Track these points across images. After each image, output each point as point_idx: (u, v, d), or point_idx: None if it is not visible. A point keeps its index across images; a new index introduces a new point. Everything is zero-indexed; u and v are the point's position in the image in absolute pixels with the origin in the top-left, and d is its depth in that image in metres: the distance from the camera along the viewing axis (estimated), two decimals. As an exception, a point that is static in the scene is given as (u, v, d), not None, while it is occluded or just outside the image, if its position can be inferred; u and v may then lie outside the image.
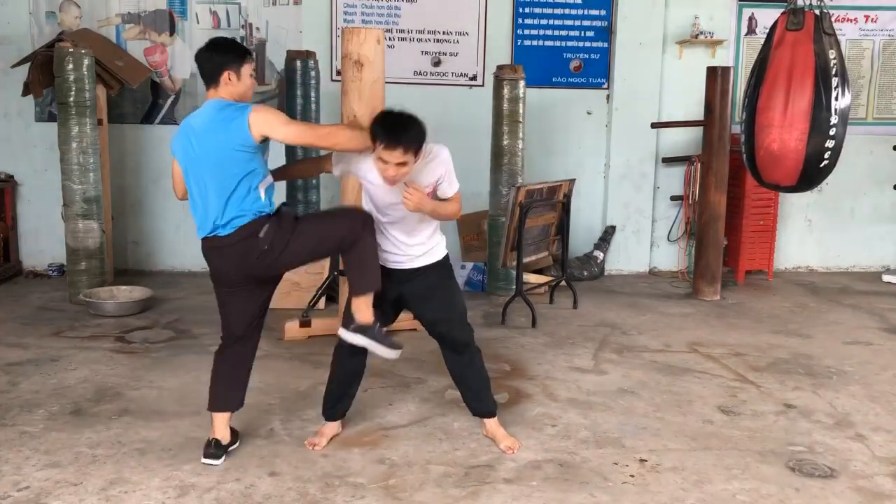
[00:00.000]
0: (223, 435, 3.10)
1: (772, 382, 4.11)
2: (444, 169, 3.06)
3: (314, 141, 3.06)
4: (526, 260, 5.38)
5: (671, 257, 7.15)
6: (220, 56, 2.95)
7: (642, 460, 3.15)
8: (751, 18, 6.92)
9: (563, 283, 5.89)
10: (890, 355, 4.66)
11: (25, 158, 6.49)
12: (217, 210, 2.87)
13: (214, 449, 3.06)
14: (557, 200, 5.64)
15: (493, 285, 6.07)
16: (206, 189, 2.89)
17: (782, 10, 4.45)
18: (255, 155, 2.87)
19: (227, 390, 3.15)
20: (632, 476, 3.01)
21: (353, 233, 3.01)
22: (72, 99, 5.40)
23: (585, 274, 6.70)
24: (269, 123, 2.85)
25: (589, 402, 3.77)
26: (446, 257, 3.26)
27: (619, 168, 6.92)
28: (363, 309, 3.06)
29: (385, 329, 3.15)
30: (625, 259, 7.05)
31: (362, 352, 3.17)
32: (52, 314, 5.28)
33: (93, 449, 3.15)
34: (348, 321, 3.10)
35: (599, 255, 6.86)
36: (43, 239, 6.53)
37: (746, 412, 3.69)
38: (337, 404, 3.30)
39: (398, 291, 3.19)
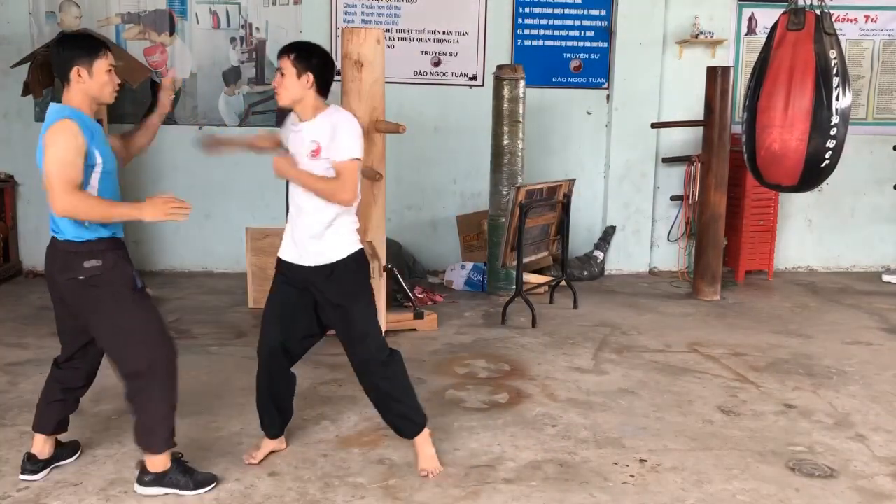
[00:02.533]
0: (40, 450, 2.91)
1: (772, 382, 4.11)
2: (332, 128, 2.73)
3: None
4: (526, 260, 5.38)
5: (671, 257, 7.14)
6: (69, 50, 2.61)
7: (642, 460, 3.15)
8: (751, 18, 6.92)
9: (563, 283, 5.89)
10: (890, 355, 4.66)
11: (25, 158, 6.46)
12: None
13: (29, 464, 2.90)
14: (557, 200, 5.64)
15: (493, 285, 6.07)
16: None
17: (783, 11, 4.45)
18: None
19: (43, 410, 2.93)
20: (632, 476, 3.01)
21: (147, 371, 2.67)
22: (72, 99, 5.39)
23: (585, 274, 6.70)
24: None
25: (589, 402, 3.77)
26: (350, 260, 2.83)
27: (619, 168, 6.92)
28: (155, 460, 2.76)
29: (186, 461, 2.84)
30: (625, 259, 7.05)
31: (287, 371, 2.99)
32: (52, 314, 5.24)
33: (93, 449, 3.15)
34: (141, 474, 2.78)
35: (599, 255, 6.86)
36: (43, 239, 6.35)
37: (746, 412, 3.69)
38: (264, 420, 3.06)
39: (310, 293, 2.87)
